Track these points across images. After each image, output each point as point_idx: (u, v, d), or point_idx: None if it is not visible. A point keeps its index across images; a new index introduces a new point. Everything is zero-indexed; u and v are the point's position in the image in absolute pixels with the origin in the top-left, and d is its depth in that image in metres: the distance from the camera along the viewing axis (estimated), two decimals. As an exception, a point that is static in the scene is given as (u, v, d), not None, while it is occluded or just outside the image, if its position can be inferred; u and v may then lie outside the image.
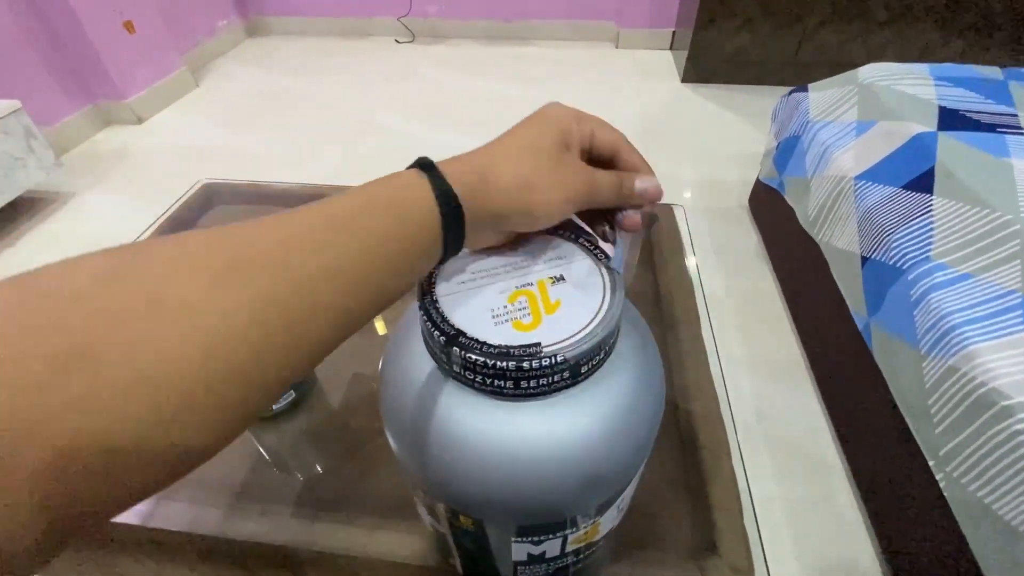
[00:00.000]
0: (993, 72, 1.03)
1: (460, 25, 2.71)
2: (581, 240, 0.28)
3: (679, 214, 0.75)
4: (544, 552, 0.29)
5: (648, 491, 0.45)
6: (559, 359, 0.22)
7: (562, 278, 0.26)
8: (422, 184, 0.23)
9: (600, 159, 0.29)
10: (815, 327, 1.08)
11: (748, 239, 1.41)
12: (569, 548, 0.30)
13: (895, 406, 0.75)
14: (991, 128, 0.86)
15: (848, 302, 0.89)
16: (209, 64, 2.54)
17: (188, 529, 0.43)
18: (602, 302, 0.24)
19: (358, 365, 0.57)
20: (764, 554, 0.41)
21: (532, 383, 0.23)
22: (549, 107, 0.28)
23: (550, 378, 0.23)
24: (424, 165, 0.23)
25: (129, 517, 0.44)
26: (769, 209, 1.31)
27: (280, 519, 0.43)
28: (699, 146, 1.81)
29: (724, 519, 0.42)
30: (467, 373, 0.23)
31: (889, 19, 1.90)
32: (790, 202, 1.15)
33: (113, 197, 1.67)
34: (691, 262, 0.68)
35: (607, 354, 0.24)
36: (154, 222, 0.77)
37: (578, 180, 0.26)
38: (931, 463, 0.67)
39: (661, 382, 0.28)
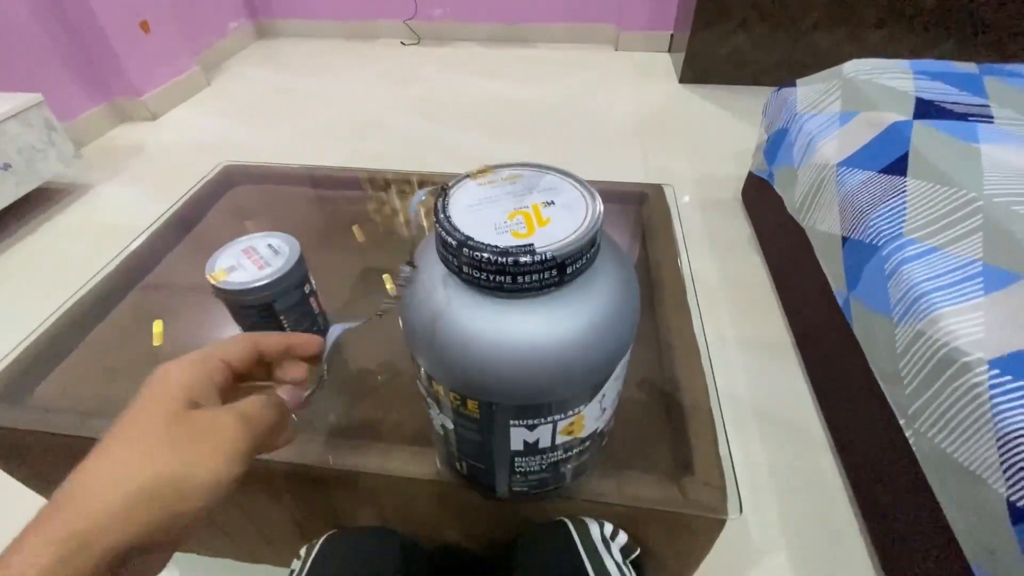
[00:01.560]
0: (969, 67, 1.09)
1: (464, 28, 2.78)
2: (569, 177, 0.34)
3: (668, 193, 0.80)
4: (537, 440, 0.35)
5: (634, 423, 0.50)
6: (548, 256, 0.27)
7: (552, 202, 0.31)
8: None
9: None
10: (801, 307, 1.13)
11: (741, 229, 1.47)
12: (559, 440, 0.35)
13: (871, 376, 0.80)
14: (963, 117, 0.92)
15: (830, 280, 0.95)
16: (221, 64, 2.62)
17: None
18: (584, 218, 0.30)
19: (371, 322, 0.62)
20: (734, 472, 0.46)
21: (526, 279, 0.28)
22: (155, 371, 0.25)
23: (541, 275, 0.28)
24: None
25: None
26: (760, 200, 1.37)
27: (308, 445, 0.49)
28: (696, 144, 1.87)
29: (700, 445, 0.47)
30: (473, 272, 0.28)
31: (879, 22, 1.96)
32: (779, 191, 1.21)
33: (129, 189, 1.73)
34: (679, 236, 0.73)
35: (589, 261, 0.30)
36: (178, 200, 0.83)
37: (220, 441, 0.23)
38: (901, 422, 0.72)
39: (636, 293, 0.33)
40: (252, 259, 0.50)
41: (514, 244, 0.28)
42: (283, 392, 0.30)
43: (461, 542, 0.53)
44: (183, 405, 0.23)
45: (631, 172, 1.73)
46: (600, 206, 0.30)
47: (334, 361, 0.58)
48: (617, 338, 0.32)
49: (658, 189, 0.81)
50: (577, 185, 0.33)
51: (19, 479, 0.59)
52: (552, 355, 0.29)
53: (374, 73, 2.51)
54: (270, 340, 0.30)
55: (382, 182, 0.89)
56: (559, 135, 1.95)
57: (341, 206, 0.87)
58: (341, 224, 0.81)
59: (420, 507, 0.49)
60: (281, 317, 0.50)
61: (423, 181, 0.88)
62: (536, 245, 0.28)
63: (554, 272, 0.28)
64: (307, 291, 0.52)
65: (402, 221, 0.81)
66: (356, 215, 0.82)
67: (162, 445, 0.22)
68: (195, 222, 0.81)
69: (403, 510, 0.50)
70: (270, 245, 0.51)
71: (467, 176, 0.34)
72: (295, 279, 0.50)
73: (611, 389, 0.35)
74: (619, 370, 0.34)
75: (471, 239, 0.28)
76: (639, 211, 0.80)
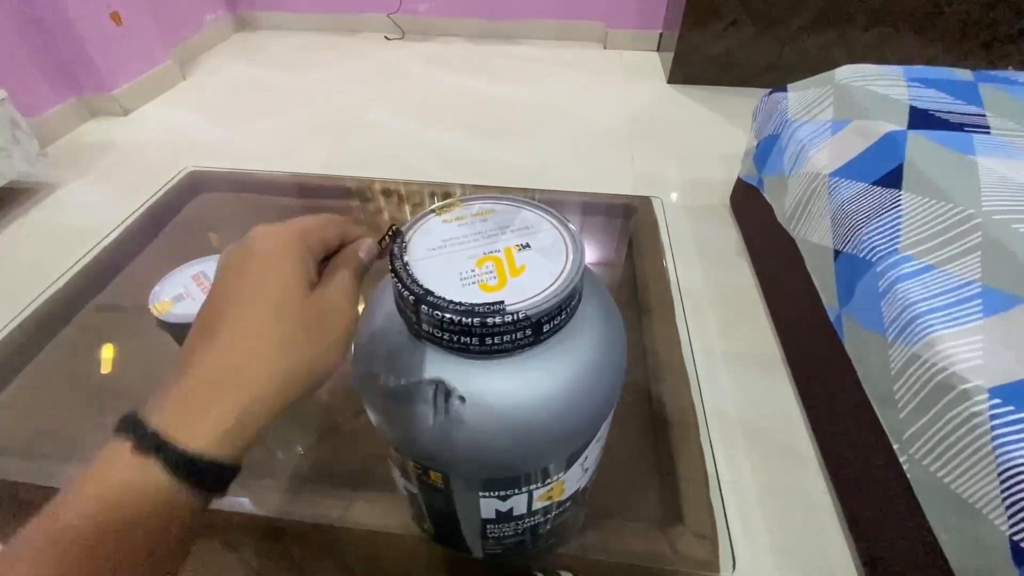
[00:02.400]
0: (964, 74, 1.07)
1: (450, 23, 2.72)
2: (548, 214, 0.30)
3: (656, 206, 0.77)
4: (511, 509, 0.31)
5: (618, 466, 0.47)
6: (521, 316, 0.23)
7: (528, 245, 0.27)
8: (169, 488, 0.18)
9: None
10: (790, 320, 1.11)
11: (729, 236, 1.44)
12: (536, 505, 0.31)
13: (863, 395, 0.78)
14: (959, 127, 0.90)
15: (821, 295, 0.92)
16: (197, 58, 2.53)
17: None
18: (564, 267, 0.26)
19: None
20: (727, 524, 0.43)
21: (496, 339, 0.24)
22: (261, 241, 0.23)
23: (513, 335, 0.24)
24: (158, 447, 0.18)
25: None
26: (749, 207, 1.34)
27: (262, 492, 0.44)
28: (684, 146, 1.84)
29: (690, 491, 0.44)
30: (435, 331, 0.24)
31: (869, 24, 1.94)
32: (768, 199, 1.18)
33: (98, 189, 1.66)
34: (667, 251, 0.70)
35: (568, 316, 0.26)
36: (138, 208, 0.78)
37: (340, 325, 0.23)
38: (895, 446, 0.70)
39: (622, 348, 0.29)
40: (202, 287, 0.45)
41: (482, 300, 0.24)
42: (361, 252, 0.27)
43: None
44: (306, 286, 0.23)
45: (618, 175, 1.69)
46: (582, 252, 0.26)
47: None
48: (601, 397, 0.28)
49: (646, 202, 0.78)
50: (556, 224, 0.29)
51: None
52: (526, 423, 0.25)
53: (356, 69, 2.44)
54: (355, 231, 0.28)
55: (358, 190, 0.84)
56: (545, 135, 1.91)
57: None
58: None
59: (388, 562, 0.45)
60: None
61: (397, 190, 0.84)
62: (507, 302, 0.24)
63: (528, 332, 0.24)
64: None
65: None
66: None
67: (297, 332, 0.22)
68: (155, 233, 0.75)
69: (370, 564, 0.46)
70: (223, 271, 0.47)
71: (431, 211, 0.30)
72: (250, 310, 0.45)
73: (593, 451, 0.31)
74: (603, 430, 0.30)
75: (431, 294, 0.24)
76: (626, 224, 0.77)
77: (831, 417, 0.92)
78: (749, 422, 1.00)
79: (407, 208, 0.80)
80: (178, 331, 0.43)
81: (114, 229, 0.74)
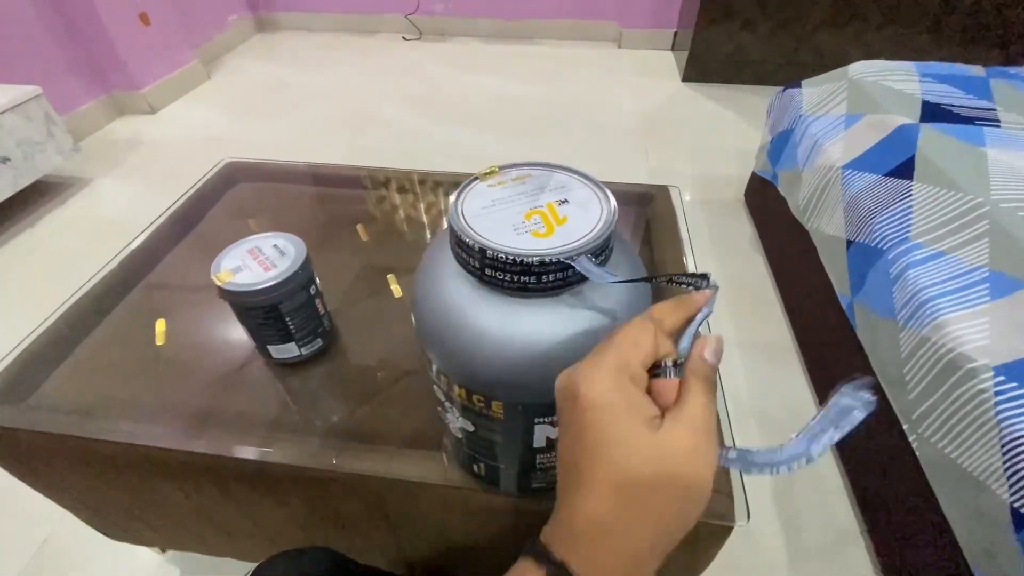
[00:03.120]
0: (976, 70, 1.09)
1: (466, 23, 2.76)
2: (578, 175, 0.33)
3: (674, 194, 0.80)
4: None
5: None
6: (578, 254, 0.27)
7: (566, 200, 0.31)
8: None
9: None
10: (803, 310, 1.13)
11: (743, 231, 1.46)
12: None
13: (875, 379, 0.80)
14: (970, 120, 0.92)
15: (834, 284, 0.95)
16: (220, 58, 2.60)
17: (227, 454, 0.48)
18: (600, 215, 0.30)
19: (376, 322, 0.62)
20: (742, 478, 0.46)
21: (551, 277, 0.28)
22: (586, 386, 0.22)
23: (566, 272, 0.28)
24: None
25: (169, 442, 0.49)
26: (763, 201, 1.37)
27: (311, 447, 0.48)
28: (699, 143, 1.86)
29: (707, 451, 0.47)
30: (497, 274, 0.28)
31: (884, 22, 1.95)
32: (783, 193, 1.20)
33: (128, 183, 1.72)
34: (685, 238, 0.73)
35: (607, 257, 0.30)
36: (181, 196, 0.83)
37: (697, 466, 0.21)
38: (905, 426, 0.72)
39: (647, 290, 0.33)
40: (258, 260, 0.49)
41: (537, 244, 0.28)
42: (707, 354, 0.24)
43: (467, 547, 0.53)
44: (644, 433, 0.21)
45: (633, 172, 1.72)
46: (614, 203, 0.31)
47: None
48: None
49: (663, 190, 0.81)
50: (588, 183, 0.33)
51: (21, 479, 0.59)
52: (577, 350, 0.29)
53: (375, 68, 2.49)
54: (674, 320, 0.25)
55: (385, 180, 0.88)
56: (560, 134, 1.95)
57: (343, 205, 0.86)
58: (344, 223, 0.80)
59: (425, 511, 0.49)
60: (287, 319, 0.50)
61: (424, 180, 0.88)
62: (560, 243, 0.28)
63: (577, 269, 0.28)
64: (312, 292, 0.52)
65: (403, 220, 0.80)
66: (359, 214, 0.82)
67: (650, 493, 0.21)
68: (197, 220, 0.80)
69: (408, 514, 0.50)
70: (275, 246, 0.51)
71: (475, 178, 0.34)
72: (301, 281, 0.49)
73: None
74: None
75: (493, 242, 0.28)
76: (644, 212, 0.80)
77: (842, 403, 0.94)
78: (763, 409, 1.02)
79: (431, 197, 0.84)
80: (237, 298, 0.47)
81: (160, 215, 0.78)
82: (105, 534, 0.71)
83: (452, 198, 0.32)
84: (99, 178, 1.74)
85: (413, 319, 0.34)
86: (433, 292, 0.32)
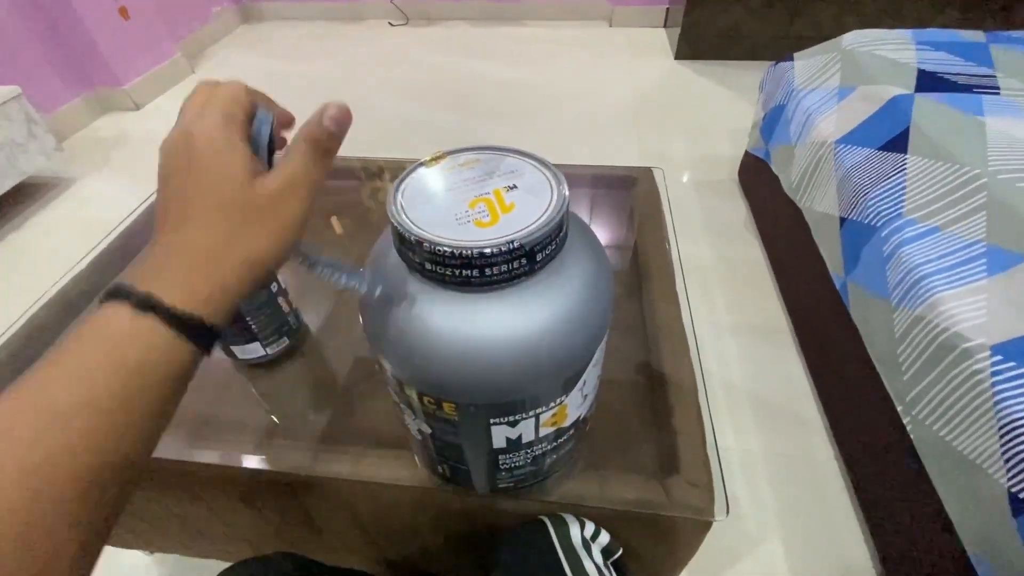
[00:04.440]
0: (975, 36, 1.05)
1: (453, 6, 2.71)
2: (530, 158, 0.31)
3: (658, 176, 0.77)
4: (520, 436, 0.33)
5: (618, 422, 0.48)
6: (515, 244, 0.25)
7: (515, 187, 0.29)
8: (169, 339, 0.22)
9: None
10: (798, 292, 1.11)
11: (737, 211, 1.43)
12: (543, 432, 0.33)
13: (869, 362, 0.78)
14: (967, 89, 0.88)
15: (827, 263, 0.92)
16: (204, 50, 2.56)
17: (197, 460, 0.46)
18: (550, 202, 0.28)
19: (346, 320, 0.60)
20: (723, 475, 0.44)
21: (494, 271, 0.26)
22: (197, 125, 0.25)
23: (510, 264, 0.26)
24: (145, 304, 0.22)
25: (136, 451, 0.47)
26: (757, 180, 1.33)
27: (278, 452, 0.47)
28: (692, 122, 1.82)
29: (686, 444, 0.45)
30: (437, 268, 0.26)
31: (881, -10, 1.89)
32: (775, 170, 1.17)
33: (114, 182, 1.70)
34: (667, 220, 0.70)
35: (559, 246, 0.28)
36: (152, 193, 0.80)
37: (285, 216, 0.26)
38: (899, 408, 0.70)
39: (610, 278, 0.31)
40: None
41: (478, 235, 0.26)
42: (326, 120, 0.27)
43: (443, 545, 0.52)
44: (246, 176, 0.24)
45: (625, 153, 1.69)
46: (565, 188, 0.28)
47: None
48: (594, 322, 0.30)
49: (647, 172, 0.78)
50: (539, 167, 0.31)
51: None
52: (529, 347, 0.28)
53: (361, 55, 2.45)
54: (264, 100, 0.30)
55: (358, 170, 0.86)
56: (551, 116, 1.91)
57: (320, 196, 0.84)
58: (321, 215, 0.78)
59: (397, 513, 0.47)
60: (247, 319, 0.48)
61: (394, 168, 0.85)
62: (502, 234, 0.26)
63: (523, 261, 0.26)
64: (274, 290, 0.50)
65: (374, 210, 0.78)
66: (337, 205, 0.79)
67: (241, 226, 0.24)
68: (169, 217, 0.78)
69: (379, 516, 0.48)
70: (233, 243, 0.49)
71: (420, 164, 0.31)
72: (259, 278, 0.47)
73: (591, 376, 0.33)
74: (598, 355, 0.32)
75: (430, 233, 0.26)
76: (628, 196, 0.78)
77: (839, 385, 0.92)
78: (757, 393, 1.00)
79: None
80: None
81: (131, 213, 0.76)
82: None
83: (391, 186, 0.30)
84: (84, 177, 1.72)
85: (360, 316, 0.32)
86: (376, 287, 0.30)
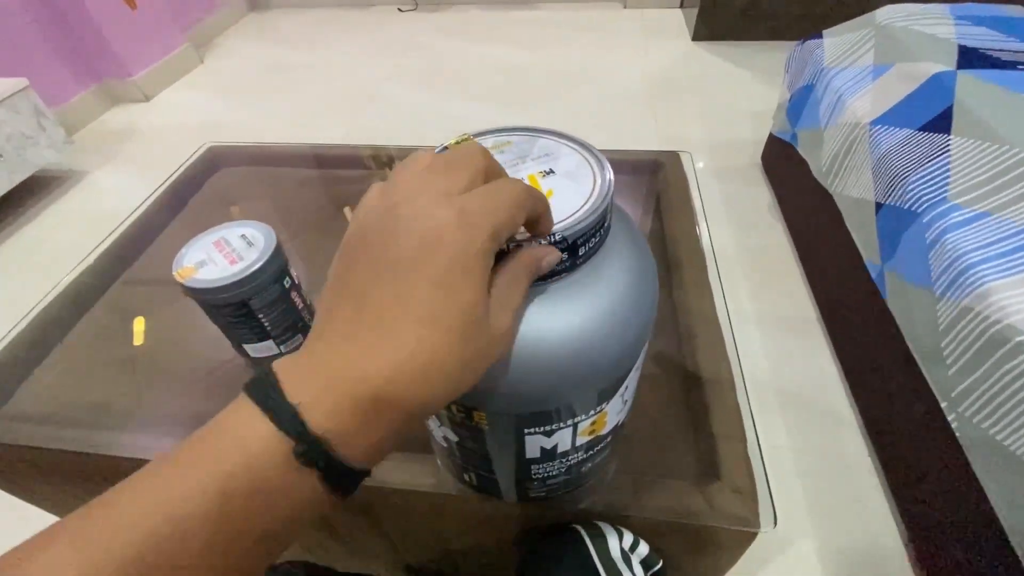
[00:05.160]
0: (1015, 10, 0.99)
1: (463, -9, 2.65)
2: (565, 139, 0.28)
3: (686, 160, 0.73)
4: (556, 445, 0.30)
5: (653, 424, 0.45)
6: (558, 237, 0.22)
7: (552, 171, 0.26)
8: (280, 449, 0.17)
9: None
10: (828, 281, 1.06)
11: (761, 196, 1.38)
12: (580, 441, 0.30)
13: (907, 354, 0.74)
14: (1012, 65, 0.83)
15: (862, 251, 0.88)
16: (212, 40, 2.53)
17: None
18: (592, 188, 0.24)
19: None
20: (768, 480, 0.41)
21: None
22: (435, 222, 0.18)
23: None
24: (269, 404, 0.17)
25: (151, 455, 0.45)
26: (782, 164, 1.28)
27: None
28: (711, 105, 1.76)
29: (726, 447, 0.43)
30: None
31: (910, -36, 1.81)
32: (803, 154, 1.12)
33: (124, 174, 1.69)
34: (697, 206, 0.67)
35: (603, 238, 0.25)
36: (160, 185, 0.78)
37: (497, 352, 0.21)
38: (943, 404, 0.66)
39: (654, 274, 0.28)
40: (224, 252, 0.45)
41: None
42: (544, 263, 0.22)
43: (466, 550, 0.49)
44: (487, 313, 0.20)
45: (643, 138, 1.64)
46: (609, 171, 0.25)
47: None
48: (639, 322, 0.27)
49: (674, 157, 0.74)
50: (577, 148, 0.27)
51: (2, 488, 0.56)
52: (571, 350, 0.24)
53: (370, 43, 2.41)
54: (540, 209, 0.22)
55: (374, 158, 0.83)
56: (566, 101, 1.86)
57: (332, 186, 0.81)
58: (332, 206, 0.75)
59: (420, 520, 0.45)
60: (260, 316, 0.46)
61: (405, 154, 0.82)
62: None
63: (564, 256, 0.23)
64: (287, 285, 0.47)
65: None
66: (348, 195, 0.77)
67: (472, 358, 0.19)
68: (178, 209, 0.76)
69: (401, 523, 0.46)
70: (243, 236, 0.46)
71: (444, 148, 0.28)
72: (271, 274, 0.45)
73: (633, 379, 0.30)
74: (641, 357, 0.29)
75: None
76: (653, 181, 0.74)
77: (871, 377, 0.89)
78: (785, 385, 0.97)
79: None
80: (201, 295, 0.43)
81: (138, 206, 0.74)
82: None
83: None
84: (95, 170, 1.71)
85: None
86: None
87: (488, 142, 0.28)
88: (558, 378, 0.25)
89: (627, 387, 0.30)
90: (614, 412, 0.30)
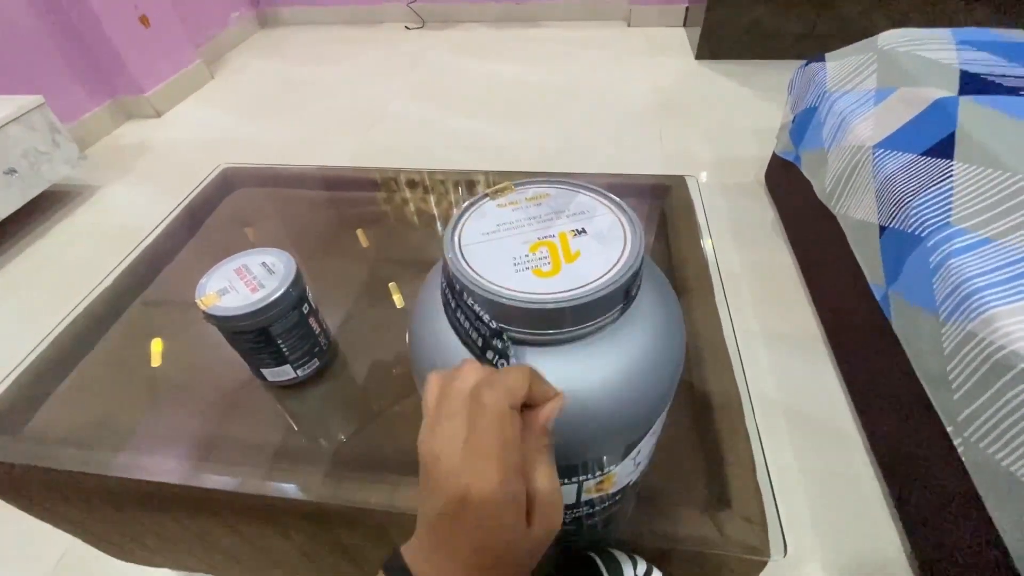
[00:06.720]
0: (1018, 35, 1.00)
1: (470, 8, 2.69)
2: (604, 197, 0.29)
3: (692, 185, 0.75)
4: None
5: (663, 450, 0.46)
6: (571, 305, 0.23)
7: (584, 231, 0.26)
8: None
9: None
10: (832, 300, 1.07)
11: (764, 215, 1.40)
12: (584, 497, 0.31)
13: (913, 375, 0.75)
14: (1014, 91, 0.84)
15: (866, 273, 0.89)
16: (224, 56, 2.57)
17: (225, 488, 0.45)
18: (622, 254, 0.25)
19: (377, 336, 0.59)
20: (777, 508, 0.42)
21: (547, 330, 0.24)
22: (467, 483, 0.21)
23: (560, 325, 0.23)
24: None
25: (170, 477, 0.46)
26: (786, 184, 1.30)
27: (309, 479, 0.45)
28: (715, 123, 1.78)
29: (736, 474, 0.43)
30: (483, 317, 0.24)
31: (911, -14, 1.84)
32: (807, 175, 1.14)
33: (137, 189, 1.71)
34: (704, 231, 0.68)
35: (627, 305, 0.25)
36: (176, 206, 0.80)
37: (551, 532, 0.23)
38: (949, 428, 0.67)
39: (682, 338, 0.28)
40: (245, 280, 0.46)
41: (535, 286, 0.24)
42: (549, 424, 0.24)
43: None
44: (525, 530, 0.22)
45: (647, 156, 1.66)
46: (641, 237, 0.25)
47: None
48: (659, 389, 0.27)
49: (680, 181, 0.76)
50: (613, 208, 0.28)
51: (20, 508, 0.57)
52: (580, 412, 0.25)
53: (379, 60, 2.45)
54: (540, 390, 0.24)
55: (386, 181, 0.84)
56: (571, 118, 1.88)
57: (345, 208, 0.83)
58: (346, 227, 0.77)
59: (433, 544, 0.45)
60: (279, 341, 0.47)
61: (420, 179, 0.84)
62: (562, 288, 0.23)
63: (582, 322, 0.24)
64: (305, 311, 0.48)
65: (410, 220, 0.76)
66: (361, 217, 0.78)
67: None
68: (194, 230, 0.77)
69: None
70: (264, 263, 0.47)
71: (485, 196, 0.29)
72: (292, 301, 0.46)
73: (647, 445, 0.30)
74: (658, 424, 0.30)
75: (480, 280, 0.24)
76: (660, 204, 0.75)
77: (877, 399, 0.89)
78: (791, 405, 0.97)
79: (431, 199, 0.80)
80: (223, 323, 0.44)
81: (155, 228, 0.76)
82: (112, 555, 0.70)
83: (451, 221, 0.28)
84: (108, 185, 1.73)
85: (410, 354, 0.30)
86: (428, 330, 0.28)
87: (528, 192, 0.29)
88: (567, 435, 0.25)
89: (640, 451, 0.30)
90: (624, 473, 0.30)
